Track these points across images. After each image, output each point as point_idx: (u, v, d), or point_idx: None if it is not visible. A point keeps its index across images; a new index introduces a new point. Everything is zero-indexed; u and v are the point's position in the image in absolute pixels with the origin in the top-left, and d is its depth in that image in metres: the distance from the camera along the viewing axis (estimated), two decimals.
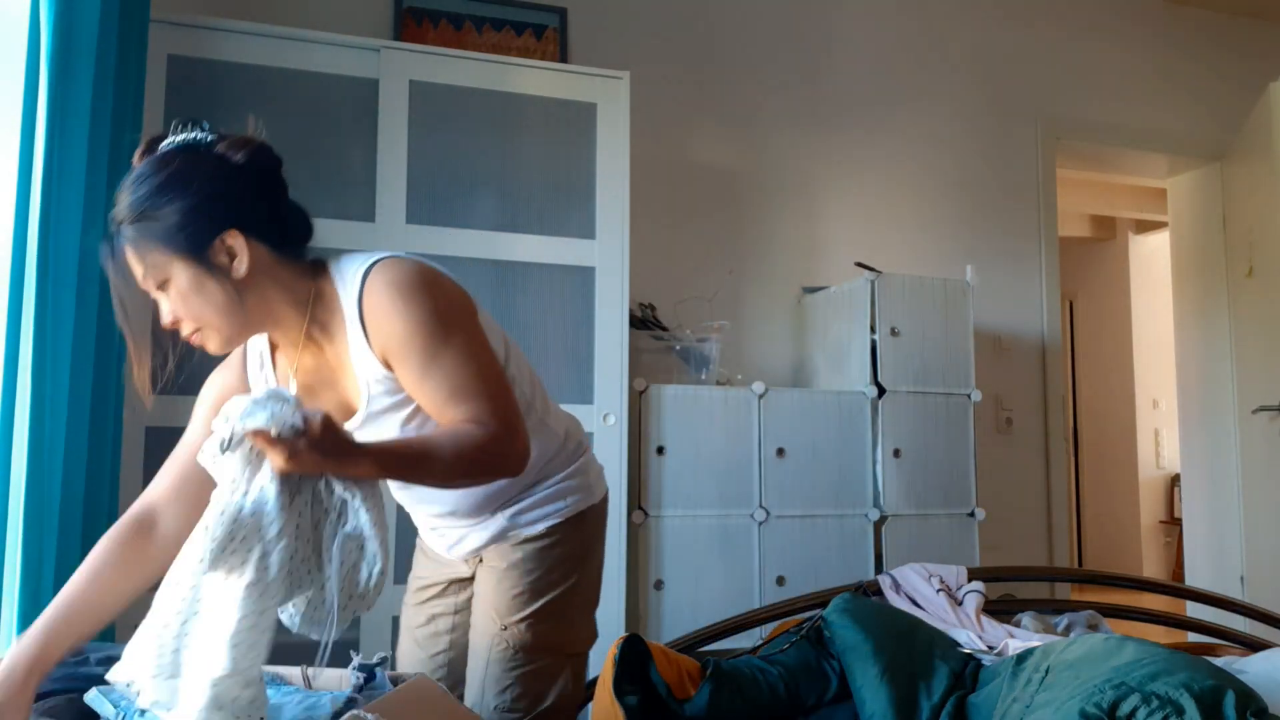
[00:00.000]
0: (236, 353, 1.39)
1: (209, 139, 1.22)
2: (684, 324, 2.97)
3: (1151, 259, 6.31)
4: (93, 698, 1.17)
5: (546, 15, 3.04)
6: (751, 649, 1.80)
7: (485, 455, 1.16)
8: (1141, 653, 1.30)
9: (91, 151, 1.79)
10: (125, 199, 1.17)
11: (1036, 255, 3.70)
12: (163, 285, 1.20)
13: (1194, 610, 3.24)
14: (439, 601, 1.54)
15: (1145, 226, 6.27)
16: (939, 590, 2.04)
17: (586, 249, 2.53)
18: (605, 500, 1.55)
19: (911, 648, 1.58)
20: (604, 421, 2.50)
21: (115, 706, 1.15)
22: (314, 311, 1.25)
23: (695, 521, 2.61)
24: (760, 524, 2.65)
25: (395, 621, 2.26)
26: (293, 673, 1.31)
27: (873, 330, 2.84)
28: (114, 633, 1.89)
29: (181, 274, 1.18)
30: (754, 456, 2.68)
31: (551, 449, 1.44)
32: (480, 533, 1.44)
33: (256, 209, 1.23)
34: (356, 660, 1.21)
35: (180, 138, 1.21)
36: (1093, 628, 2.17)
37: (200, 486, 1.24)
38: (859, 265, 3.01)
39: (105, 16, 1.82)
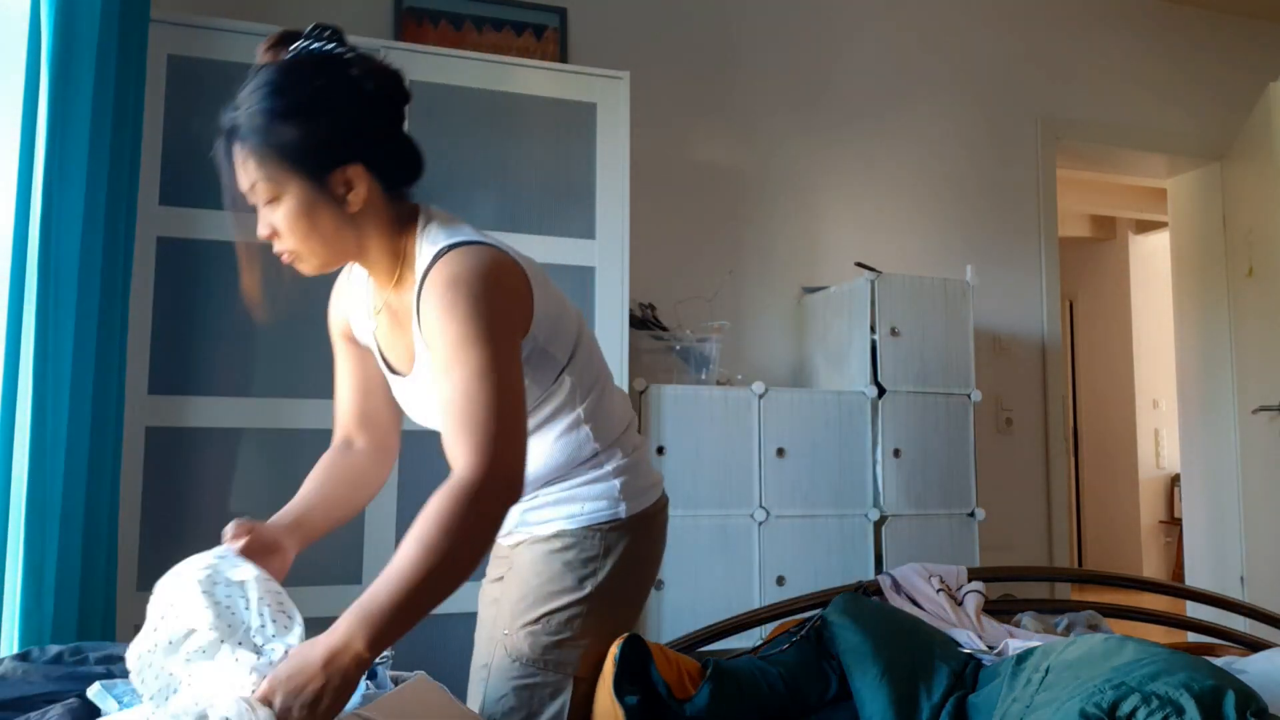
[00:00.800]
0: (355, 278, 1.39)
1: (347, 56, 1.22)
2: (684, 324, 2.97)
3: (1151, 259, 6.31)
4: (96, 693, 1.17)
5: (546, 15, 3.04)
6: (751, 649, 1.80)
7: (472, 508, 1.07)
8: (1141, 653, 1.30)
9: (92, 151, 1.80)
10: (256, 102, 1.16)
11: (1036, 255, 3.71)
12: (273, 200, 1.18)
13: (1194, 610, 3.24)
14: (498, 587, 1.49)
15: (1145, 226, 6.28)
16: (939, 590, 2.04)
17: (586, 249, 2.53)
18: (643, 517, 1.41)
19: (911, 648, 1.58)
20: None
21: (119, 703, 1.15)
22: (402, 261, 1.25)
23: (695, 521, 2.61)
24: (760, 524, 2.65)
25: None
26: None
27: (873, 330, 2.84)
28: (114, 631, 1.89)
29: (296, 195, 1.16)
30: (754, 456, 2.68)
31: (583, 452, 1.36)
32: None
33: (380, 144, 1.22)
34: None
35: (315, 46, 1.21)
36: (1093, 628, 2.17)
37: (376, 410, 1.42)
38: (859, 265, 3.01)
39: (105, 16, 1.82)
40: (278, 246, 1.22)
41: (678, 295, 3.06)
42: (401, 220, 1.25)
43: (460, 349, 1.12)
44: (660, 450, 2.60)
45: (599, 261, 2.53)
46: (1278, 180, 3.55)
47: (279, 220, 1.18)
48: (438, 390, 1.16)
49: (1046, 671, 1.35)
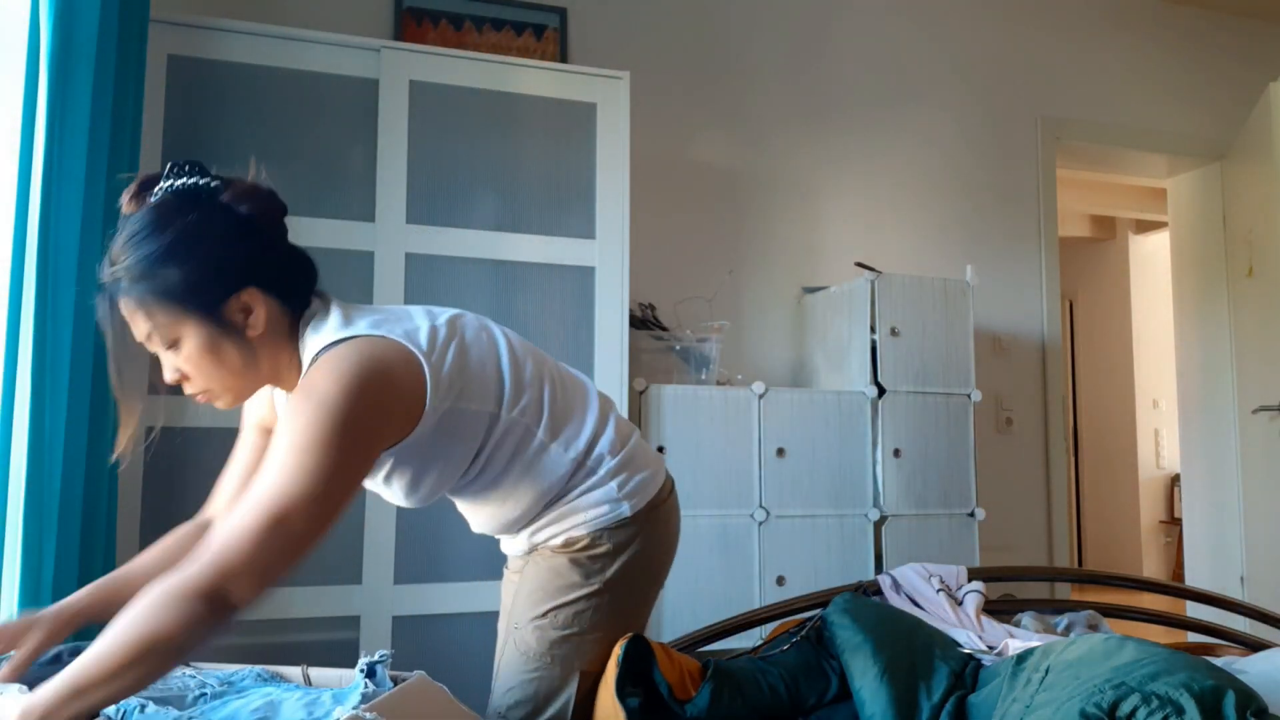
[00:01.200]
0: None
1: (213, 185, 1.17)
2: (684, 324, 2.97)
3: (1151, 259, 6.31)
4: None
5: (546, 15, 3.04)
6: (751, 649, 1.80)
7: (183, 603, 0.99)
8: (1141, 653, 1.29)
9: (91, 151, 1.79)
10: (129, 255, 1.13)
11: (1036, 255, 3.71)
12: (172, 345, 1.16)
13: (1194, 610, 3.24)
14: (514, 579, 1.52)
15: (1145, 226, 6.28)
16: (939, 590, 2.04)
17: (586, 249, 2.53)
18: (650, 508, 1.41)
19: (912, 648, 1.58)
20: None
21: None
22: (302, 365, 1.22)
23: (695, 521, 2.61)
24: (760, 524, 2.65)
25: (395, 621, 2.27)
26: (293, 672, 1.31)
27: (873, 330, 2.84)
28: None
29: (194, 335, 1.14)
30: (754, 456, 2.68)
31: (563, 466, 1.35)
32: (513, 544, 1.46)
33: (267, 263, 1.19)
34: (363, 661, 1.20)
35: (179, 183, 1.16)
36: (1093, 628, 2.17)
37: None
38: (859, 265, 3.01)
39: (105, 16, 1.82)
40: (189, 389, 1.20)
41: (678, 295, 3.06)
42: (303, 324, 1.22)
43: (287, 450, 1.06)
44: (660, 450, 2.60)
45: (599, 261, 2.53)
46: (1278, 180, 3.55)
47: (183, 363, 1.17)
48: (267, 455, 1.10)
49: (1046, 672, 1.35)
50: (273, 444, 1.09)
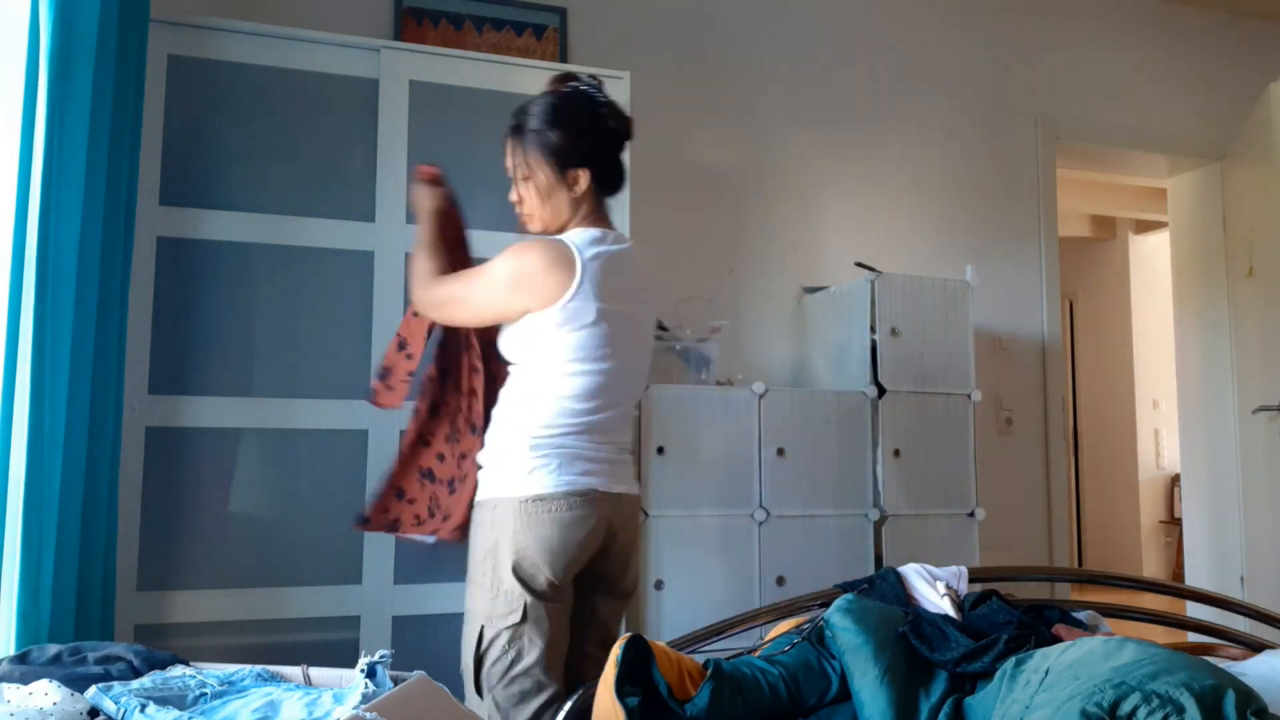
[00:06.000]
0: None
1: (604, 100, 1.79)
2: (684, 324, 2.97)
3: (1151, 259, 6.31)
4: (93, 696, 1.17)
5: (546, 15, 3.04)
6: (751, 649, 1.80)
7: (426, 295, 1.84)
8: (1141, 653, 1.29)
9: (91, 151, 1.79)
10: (540, 114, 1.74)
11: (1036, 255, 3.71)
12: (526, 177, 1.75)
13: (1194, 610, 3.24)
14: None
15: (1145, 226, 6.28)
16: (944, 595, 2.03)
17: None
18: (537, 502, 1.65)
19: (912, 649, 1.58)
20: None
21: (116, 704, 1.15)
22: None
23: (695, 521, 2.61)
24: (760, 524, 2.65)
25: (395, 621, 2.27)
26: (293, 672, 1.31)
27: (873, 330, 2.84)
28: (113, 632, 1.89)
29: (543, 176, 1.74)
30: (754, 456, 2.68)
31: (513, 424, 1.73)
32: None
33: (603, 160, 1.78)
34: (364, 661, 1.20)
35: (585, 88, 1.78)
36: (1093, 628, 2.17)
37: None
38: (859, 265, 3.01)
39: (105, 16, 1.82)
40: (520, 209, 1.80)
41: (678, 295, 3.06)
42: (594, 216, 1.80)
43: (484, 265, 1.77)
44: (660, 450, 2.60)
45: None
46: (1278, 180, 3.55)
47: (528, 190, 1.77)
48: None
49: (1046, 673, 1.35)
50: None
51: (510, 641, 1.62)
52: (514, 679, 1.60)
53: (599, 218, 1.80)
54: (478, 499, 1.73)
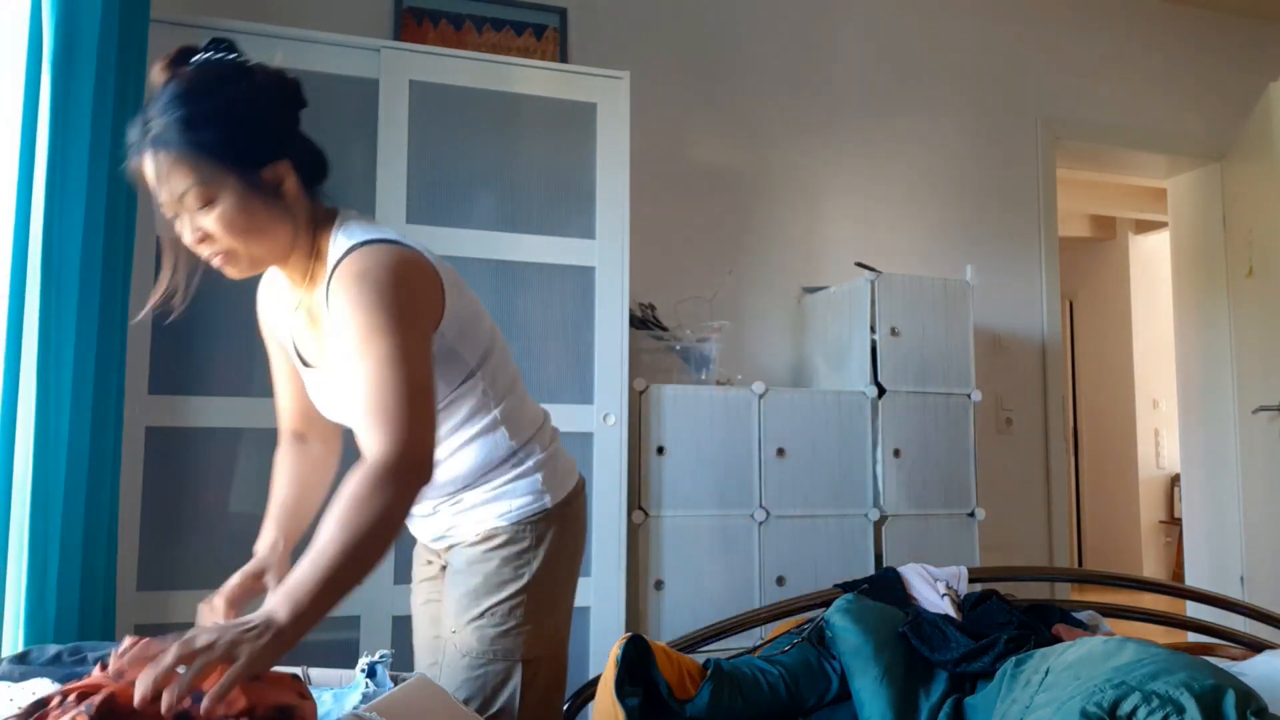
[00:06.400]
0: (274, 279, 1.44)
1: (250, 64, 1.24)
2: (684, 324, 2.97)
3: (1151, 259, 6.31)
4: None
5: (546, 15, 3.04)
6: (751, 649, 1.81)
7: (386, 488, 1.11)
8: (1141, 653, 1.30)
9: (93, 151, 1.80)
10: (175, 111, 1.16)
11: (1036, 255, 3.71)
12: (206, 203, 1.18)
13: (1194, 610, 3.24)
14: (431, 585, 1.57)
15: (1145, 226, 6.28)
16: (944, 595, 2.03)
17: (586, 249, 2.53)
18: (566, 502, 1.46)
19: (912, 649, 1.58)
20: (604, 421, 2.50)
21: None
22: (314, 258, 1.30)
23: (695, 521, 2.61)
24: (760, 524, 2.65)
25: (395, 621, 2.27)
26: (292, 672, 1.31)
27: (873, 330, 2.84)
28: (114, 631, 1.89)
29: (232, 192, 1.18)
30: (754, 456, 2.68)
31: (500, 453, 1.41)
32: (429, 525, 1.48)
33: (298, 141, 1.28)
34: (364, 661, 1.20)
35: (218, 55, 1.22)
36: (1093, 628, 2.17)
37: (311, 407, 1.46)
38: (859, 265, 3.01)
39: (106, 17, 1.82)
40: (209, 250, 1.23)
41: (678, 295, 3.06)
42: (317, 219, 1.30)
43: (368, 339, 1.16)
44: (660, 450, 2.60)
45: (599, 261, 2.53)
46: (1278, 180, 3.55)
47: (212, 223, 1.19)
48: (349, 381, 1.19)
49: (1046, 673, 1.35)
50: (343, 334, 1.19)
51: None
52: None
53: (333, 212, 1.32)
54: None
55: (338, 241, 1.26)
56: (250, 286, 2.25)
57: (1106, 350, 6.51)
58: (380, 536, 1.10)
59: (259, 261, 1.26)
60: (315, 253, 1.29)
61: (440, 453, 1.38)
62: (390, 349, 1.15)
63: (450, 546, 1.47)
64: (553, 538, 1.42)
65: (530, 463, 1.42)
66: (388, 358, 1.15)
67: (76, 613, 1.74)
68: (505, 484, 1.41)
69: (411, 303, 1.21)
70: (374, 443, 1.13)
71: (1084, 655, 1.34)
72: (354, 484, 1.10)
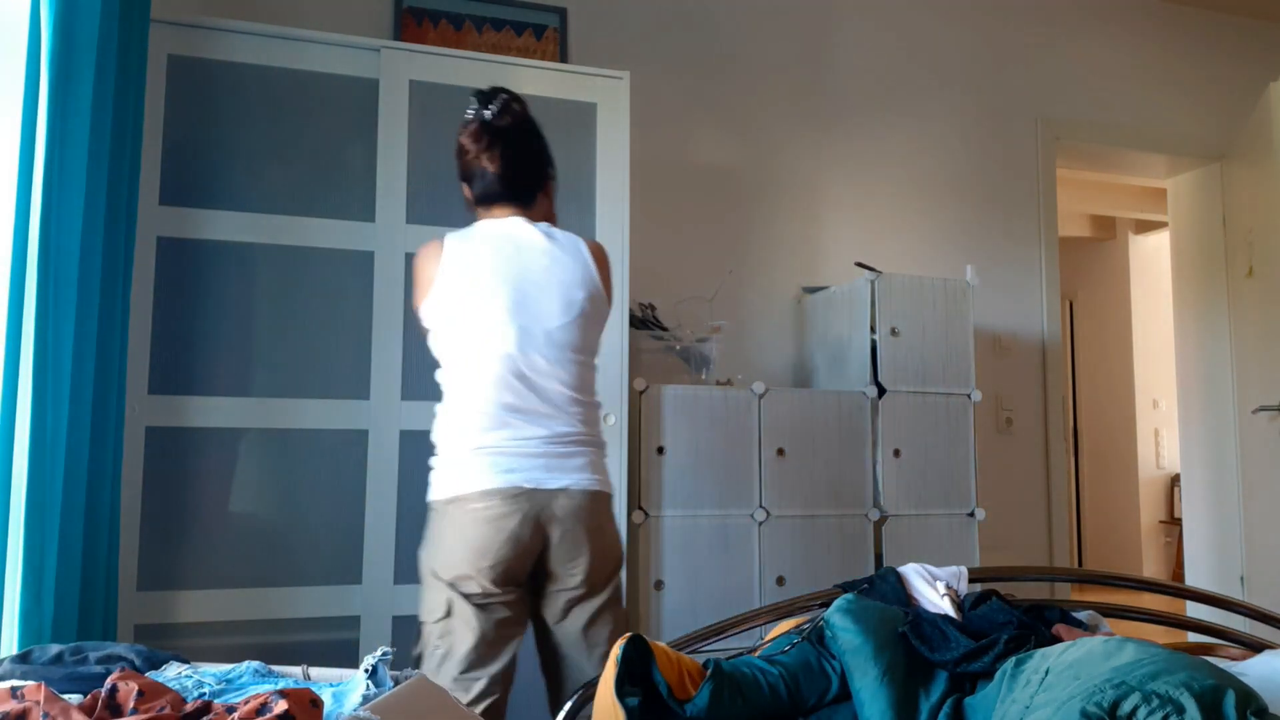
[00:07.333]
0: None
1: (465, 119, 1.84)
2: (684, 324, 2.97)
3: (1151, 259, 6.31)
4: None
5: (546, 15, 3.04)
6: (751, 649, 1.81)
7: None
8: (1141, 653, 1.29)
9: (92, 151, 1.79)
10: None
11: (1036, 255, 3.71)
12: None
13: (1194, 610, 3.24)
14: None
15: (1145, 226, 6.28)
16: (944, 595, 2.03)
17: None
18: (463, 503, 1.70)
19: (912, 649, 1.58)
20: (604, 421, 2.50)
21: None
22: None
23: (695, 521, 2.61)
24: (760, 524, 2.65)
25: (395, 621, 2.27)
26: (293, 671, 1.31)
27: (873, 330, 2.84)
28: (115, 631, 1.89)
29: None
30: (754, 456, 2.68)
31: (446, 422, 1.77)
32: None
33: (465, 174, 1.88)
34: (368, 661, 1.20)
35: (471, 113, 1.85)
36: (1093, 628, 2.17)
37: None
38: (859, 265, 3.01)
39: (105, 17, 1.82)
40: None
41: (678, 295, 3.06)
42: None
43: None
44: (660, 450, 2.60)
45: None
46: (1278, 180, 3.55)
47: None
48: None
49: (1046, 673, 1.35)
50: None
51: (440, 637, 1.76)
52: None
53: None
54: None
55: None
56: (250, 286, 2.25)
57: (1106, 350, 6.51)
58: None
59: None
60: None
61: None
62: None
63: None
64: (441, 530, 1.76)
65: (446, 454, 1.81)
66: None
67: (76, 613, 1.74)
68: (437, 459, 1.82)
69: (415, 275, 1.85)
70: None
71: (1084, 655, 1.34)
72: None
